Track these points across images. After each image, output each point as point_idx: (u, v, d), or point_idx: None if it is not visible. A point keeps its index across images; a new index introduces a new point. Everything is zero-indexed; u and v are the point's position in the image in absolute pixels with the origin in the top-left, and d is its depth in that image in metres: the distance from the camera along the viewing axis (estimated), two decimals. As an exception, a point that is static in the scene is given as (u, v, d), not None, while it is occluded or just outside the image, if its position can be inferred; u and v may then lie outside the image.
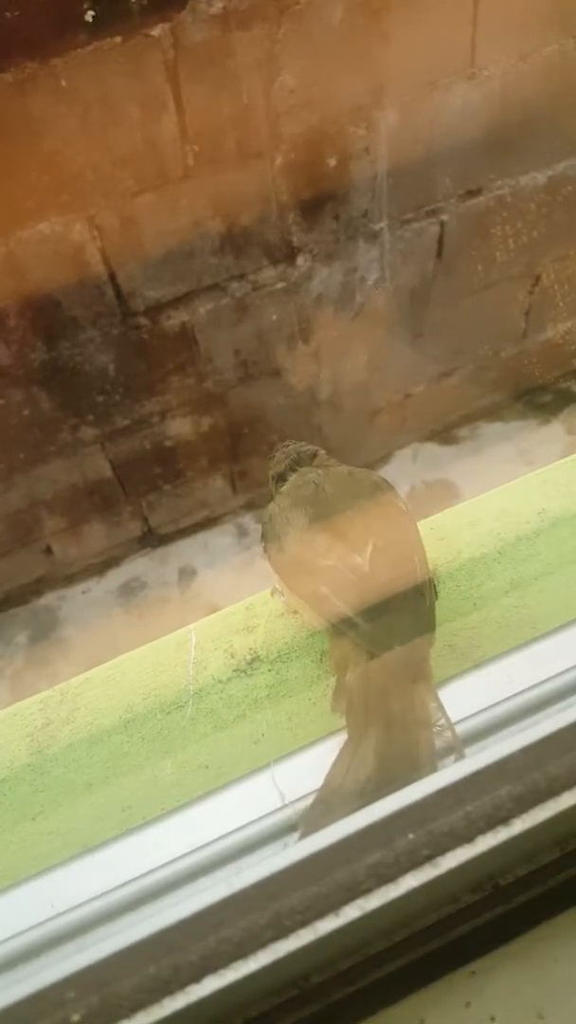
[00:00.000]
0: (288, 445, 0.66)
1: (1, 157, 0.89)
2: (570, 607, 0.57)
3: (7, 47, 0.82)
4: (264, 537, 0.59)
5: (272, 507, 0.59)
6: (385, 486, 0.59)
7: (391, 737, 0.47)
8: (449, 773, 0.35)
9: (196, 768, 0.53)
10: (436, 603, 0.54)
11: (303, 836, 0.45)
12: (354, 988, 0.36)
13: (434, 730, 0.47)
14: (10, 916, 0.46)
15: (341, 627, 0.51)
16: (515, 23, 1.05)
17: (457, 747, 0.47)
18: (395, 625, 0.51)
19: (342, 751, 0.47)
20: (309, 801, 0.47)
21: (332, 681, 0.52)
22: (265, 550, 0.58)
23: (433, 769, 0.45)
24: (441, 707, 0.48)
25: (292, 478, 0.62)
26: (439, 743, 0.46)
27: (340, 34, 0.95)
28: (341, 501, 0.57)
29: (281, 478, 0.62)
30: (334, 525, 0.55)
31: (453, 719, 0.48)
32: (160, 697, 0.57)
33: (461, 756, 0.46)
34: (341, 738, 0.49)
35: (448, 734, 0.47)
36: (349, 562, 0.52)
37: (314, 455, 0.64)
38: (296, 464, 0.63)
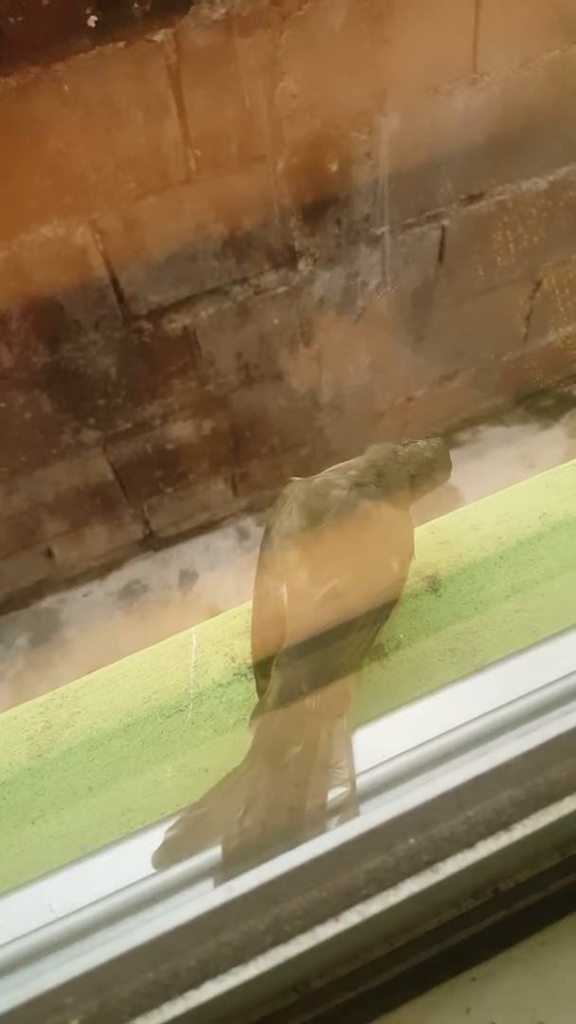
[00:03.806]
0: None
1: (4, 160, 0.89)
2: (572, 612, 0.57)
3: (11, 52, 0.82)
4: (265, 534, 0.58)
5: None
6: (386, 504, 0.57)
7: (282, 777, 0.45)
8: (450, 778, 0.35)
9: (196, 772, 0.53)
10: (382, 629, 0.52)
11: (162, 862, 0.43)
12: (354, 994, 0.36)
13: (333, 772, 0.44)
14: (9, 920, 0.46)
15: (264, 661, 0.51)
16: (517, 28, 1.05)
17: (350, 804, 0.43)
18: (312, 665, 0.49)
19: (234, 771, 0.46)
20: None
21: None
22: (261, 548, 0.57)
23: (319, 825, 0.42)
24: (349, 752, 0.45)
25: (316, 483, 0.58)
26: (334, 792, 0.43)
27: (342, 39, 0.95)
28: (325, 521, 0.55)
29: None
30: (305, 550, 0.54)
31: (453, 723, 0.48)
32: (161, 701, 0.56)
33: (354, 814, 0.42)
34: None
35: (346, 784, 0.43)
36: (279, 595, 0.52)
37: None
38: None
